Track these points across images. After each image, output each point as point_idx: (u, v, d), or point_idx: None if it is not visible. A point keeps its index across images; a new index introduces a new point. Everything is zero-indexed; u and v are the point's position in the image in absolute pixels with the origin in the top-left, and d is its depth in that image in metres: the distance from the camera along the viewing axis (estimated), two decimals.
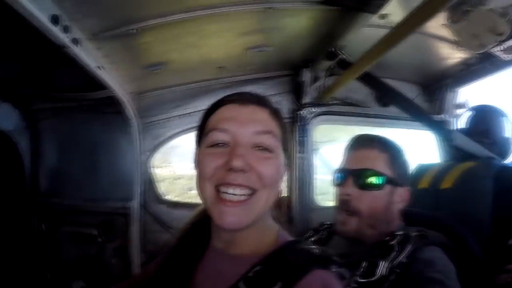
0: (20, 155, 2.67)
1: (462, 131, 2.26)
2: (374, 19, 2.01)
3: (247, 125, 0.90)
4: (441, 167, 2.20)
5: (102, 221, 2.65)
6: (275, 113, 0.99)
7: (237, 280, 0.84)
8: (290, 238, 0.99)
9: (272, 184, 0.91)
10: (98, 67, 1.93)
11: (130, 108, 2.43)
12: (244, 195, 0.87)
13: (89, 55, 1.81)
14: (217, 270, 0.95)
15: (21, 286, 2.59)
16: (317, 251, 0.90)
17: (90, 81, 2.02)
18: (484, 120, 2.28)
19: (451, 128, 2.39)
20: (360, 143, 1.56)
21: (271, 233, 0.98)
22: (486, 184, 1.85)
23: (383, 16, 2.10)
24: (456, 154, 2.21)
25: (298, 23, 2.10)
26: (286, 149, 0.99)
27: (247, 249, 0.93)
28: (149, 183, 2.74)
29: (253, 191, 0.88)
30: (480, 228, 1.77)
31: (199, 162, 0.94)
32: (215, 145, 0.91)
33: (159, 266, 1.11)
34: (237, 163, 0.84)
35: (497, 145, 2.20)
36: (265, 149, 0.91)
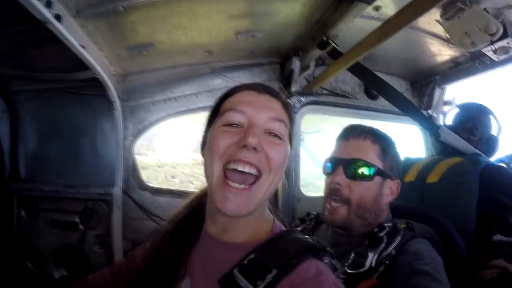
0: None
1: (449, 127, 2.27)
2: (368, 10, 1.98)
3: (263, 110, 0.95)
4: (428, 161, 2.21)
5: (84, 207, 2.58)
6: (286, 106, 1.04)
7: (231, 267, 0.85)
8: (283, 228, 1.02)
9: (277, 169, 0.94)
10: (82, 46, 1.85)
11: (113, 91, 2.34)
12: (251, 174, 0.90)
13: (72, 33, 1.74)
14: (211, 256, 0.97)
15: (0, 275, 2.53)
16: (312, 241, 0.91)
17: (72, 61, 1.94)
18: (470, 117, 2.28)
19: (439, 123, 2.40)
20: (353, 133, 1.55)
21: (267, 223, 1.01)
22: (472, 180, 1.87)
23: (377, 8, 2.10)
24: (443, 149, 2.23)
25: (290, 9, 2.06)
26: (291, 143, 1.03)
27: (242, 237, 0.96)
28: (132, 169, 2.68)
29: (259, 174, 0.91)
30: (465, 223, 1.79)
31: (211, 140, 0.95)
32: (230, 124, 0.94)
33: (152, 250, 1.11)
34: (252, 140, 0.87)
35: (483, 142, 2.22)
36: (276, 136, 0.95)
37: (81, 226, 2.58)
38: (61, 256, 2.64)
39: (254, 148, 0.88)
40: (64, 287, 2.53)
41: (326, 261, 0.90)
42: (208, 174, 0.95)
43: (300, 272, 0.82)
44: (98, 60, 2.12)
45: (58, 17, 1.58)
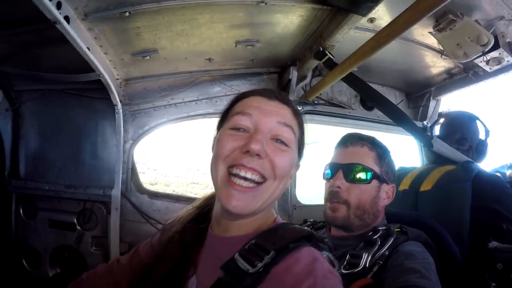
0: (1, 136, 2.64)
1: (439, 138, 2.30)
2: (363, 21, 2.07)
3: (271, 115, 0.96)
4: (421, 170, 2.24)
5: (82, 208, 2.63)
6: (297, 113, 1.04)
7: (233, 254, 0.87)
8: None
9: (282, 176, 0.95)
10: (88, 48, 1.91)
11: (116, 94, 2.40)
12: (253, 181, 0.91)
13: (79, 35, 1.80)
14: (214, 253, 1.00)
15: None
16: (309, 231, 0.94)
17: (77, 63, 2.00)
18: (457, 128, 2.30)
19: (433, 134, 2.45)
20: (351, 140, 1.64)
21: (269, 219, 1.03)
22: (464, 187, 1.90)
23: (371, 20, 2.17)
24: (436, 158, 2.25)
25: (288, 20, 2.13)
26: (300, 151, 1.05)
27: (245, 231, 0.97)
28: (131, 172, 2.71)
29: (263, 180, 0.92)
30: (458, 230, 1.82)
31: (217, 142, 0.98)
32: (237, 128, 0.95)
33: (162, 248, 1.14)
34: (255, 146, 0.88)
35: (473, 150, 2.25)
36: (283, 142, 0.95)
37: (78, 227, 2.62)
38: (57, 256, 2.67)
39: (258, 155, 0.89)
40: (58, 285, 2.54)
41: (324, 255, 0.92)
42: (213, 175, 0.96)
43: (296, 256, 0.84)
44: (103, 63, 2.18)
45: (67, 18, 1.65)
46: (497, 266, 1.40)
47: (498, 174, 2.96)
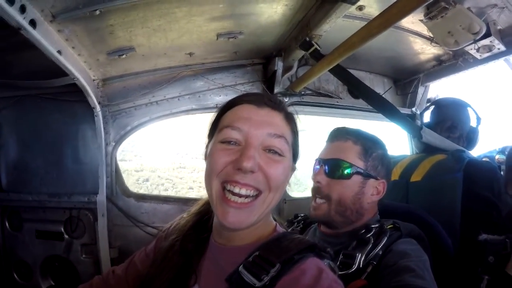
0: None
1: (427, 126, 2.25)
2: (352, 9, 1.99)
3: (261, 127, 0.93)
4: (411, 159, 2.21)
5: (68, 217, 2.55)
6: (289, 117, 1.01)
7: (237, 267, 0.86)
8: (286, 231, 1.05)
9: (278, 187, 0.94)
10: (59, 51, 1.81)
11: (93, 96, 2.31)
12: (248, 196, 0.89)
13: (48, 39, 1.70)
14: (217, 263, 0.99)
15: None
16: (312, 242, 0.92)
17: (50, 67, 1.91)
18: (448, 115, 2.27)
19: (420, 124, 2.42)
20: (336, 135, 1.60)
21: (270, 227, 1.02)
22: (456, 178, 1.87)
23: (360, 8, 2.10)
24: (426, 147, 2.21)
25: (272, 10, 2.05)
26: (295, 154, 1.03)
27: (246, 241, 0.96)
28: (116, 176, 2.63)
29: (258, 193, 0.91)
30: (450, 221, 1.79)
31: (209, 156, 0.96)
32: (227, 142, 0.92)
33: (161, 257, 1.10)
34: (247, 164, 0.86)
35: (464, 138, 2.22)
36: (276, 152, 0.93)
37: (66, 236, 2.55)
38: (48, 267, 2.60)
39: (251, 171, 0.87)
40: None
41: (326, 263, 0.91)
42: (208, 191, 0.95)
43: (302, 268, 0.83)
44: (77, 65, 2.07)
45: (33, 23, 1.54)
46: (489, 259, 1.37)
47: (487, 159, 2.96)
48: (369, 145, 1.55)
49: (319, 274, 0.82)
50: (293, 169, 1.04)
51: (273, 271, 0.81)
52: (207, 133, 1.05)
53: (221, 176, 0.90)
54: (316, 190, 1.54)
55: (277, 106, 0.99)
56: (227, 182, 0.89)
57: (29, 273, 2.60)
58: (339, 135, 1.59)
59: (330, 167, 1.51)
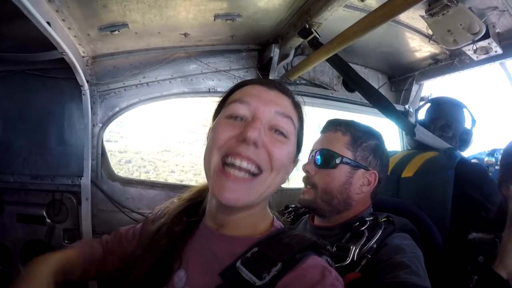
0: None
1: (422, 123, 2.28)
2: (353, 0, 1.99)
3: (270, 104, 0.93)
4: (403, 155, 2.21)
5: (51, 200, 2.47)
6: (297, 105, 1.02)
7: (232, 260, 0.85)
8: (283, 225, 1.03)
9: (279, 168, 0.92)
10: (48, 23, 1.70)
11: (82, 74, 2.20)
12: (249, 171, 0.87)
13: (37, 8, 1.58)
14: (209, 249, 0.95)
15: None
16: (313, 239, 0.90)
17: (37, 41, 1.82)
18: (443, 114, 2.27)
19: (414, 121, 2.43)
20: (328, 126, 1.64)
21: (266, 220, 1.01)
22: (447, 175, 1.88)
23: None
24: (418, 144, 2.21)
25: None
26: (299, 145, 1.03)
27: (241, 232, 0.94)
28: (102, 159, 2.55)
29: (259, 171, 0.89)
30: (440, 218, 1.80)
31: (212, 130, 0.94)
32: (234, 117, 0.91)
33: (147, 239, 1.09)
34: (252, 134, 0.85)
35: (457, 138, 2.23)
36: (281, 133, 0.92)
37: (48, 220, 2.47)
38: (29, 252, 2.50)
39: (254, 144, 0.85)
40: None
41: (324, 259, 0.89)
42: (206, 165, 0.93)
43: (304, 267, 0.82)
44: (66, 39, 1.98)
45: None
46: (479, 259, 1.37)
47: (476, 161, 3.00)
48: (359, 135, 1.57)
49: (322, 272, 0.81)
50: (295, 161, 1.04)
51: (274, 270, 0.79)
52: (212, 113, 1.04)
53: (222, 150, 0.88)
54: (305, 179, 1.58)
55: (286, 91, 1.00)
56: (228, 155, 0.87)
57: (9, 258, 2.50)
58: (330, 126, 1.63)
59: (318, 156, 1.55)
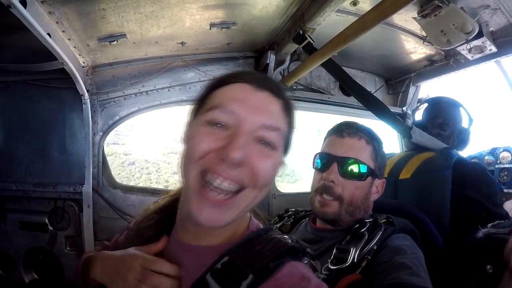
0: None
1: (419, 123, 2.29)
2: (346, 4, 2.01)
3: (257, 113, 0.80)
4: (400, 157, 2.21)
5: (53, 207, 2.50)
6: (288, 107, 0.88)
7: (203, 272, 0.77)
8: (261, 226, 0.94)
9: (264, 184, 0.82)
10: (48, 34, 1.75)
11: (82, 83, 2.24)
12: (230, 192, 0.78)
13: (38, 20, 1.64)
14: (178, 262, 0.85)
15: None
16: (290, 241, 0.83)
17: (38, 51, 1.86)
18: (440, 113, 2.28)
19: (410, 124, 2.43)
20: (348, 131, 1.52)
21: (243, 223, 0.91)
22: (445, 175, 1.87)
23: (354, 3, 2.12)
24: (415, 145, 2.20)
25: (266, 1, 2.04)
26: (287, 148, 0.90)
27: (215, 240, 0.86)
28: (103, 166, 2.57)
29: (241, 188, 0.79)
30: (440, 219, 1.80)
31: (189, 138, 0.83)
32: (214, 123, 0.79)
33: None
34: (235, 155, 0.74)
35: (454, 137, 2.23)
36: (268, 145, 0.81)
37: (50, 227, 2.49)
38: (31, 259, 2.53)
39: (238, 164, 0.75)
40: None
41: (305, 261, 0.82)
42: (183, 176, 0.83)
43: (279, 278, 0.74)
44: (66, 50, 2.03)
45: (23, 2, 1.49)
46: (487, 268, 1.22)
47: (476, 160, 3.01)
48: (378, 146, 1.54)
49: (299, 282, 0.74)
50: (282, 163, 0.90)
51: (245, 284, 0.72)
52: (191, 110, 0.91)
53: (201, 165, 0.77)
54: (326, 189, 1.47)
55: (279, 92, 0.87)
56: (207, 172, 0.77)
57: (12, 266, 2.53)
58: (351, 131, 1.51)
59: (346, 166, 1.45)
